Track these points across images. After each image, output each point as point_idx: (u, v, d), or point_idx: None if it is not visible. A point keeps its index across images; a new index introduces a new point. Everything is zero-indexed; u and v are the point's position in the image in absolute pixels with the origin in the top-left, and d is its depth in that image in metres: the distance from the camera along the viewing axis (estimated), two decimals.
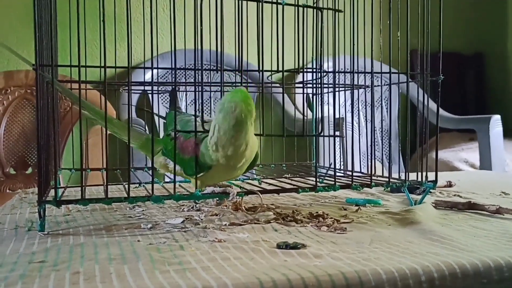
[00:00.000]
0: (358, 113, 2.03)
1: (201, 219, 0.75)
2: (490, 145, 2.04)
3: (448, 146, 2.36)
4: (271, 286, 0.46)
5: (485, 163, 2.04)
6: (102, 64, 0.70)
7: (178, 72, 1.87)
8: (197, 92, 0.75)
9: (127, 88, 0.84)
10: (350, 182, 0.79)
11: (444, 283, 0.50)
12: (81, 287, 0.45)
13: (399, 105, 0.88)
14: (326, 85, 0.89)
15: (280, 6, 0.87)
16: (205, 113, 2.06)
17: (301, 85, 0.99)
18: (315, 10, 0.85)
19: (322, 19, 0.80)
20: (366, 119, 2.11)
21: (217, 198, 0.75)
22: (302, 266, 0.51)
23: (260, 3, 0.75)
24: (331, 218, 0.75)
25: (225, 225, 0.71)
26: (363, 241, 0.62)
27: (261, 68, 0.79)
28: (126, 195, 0.69)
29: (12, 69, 2.04)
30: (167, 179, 1.00)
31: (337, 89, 0.91)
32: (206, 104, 2.05)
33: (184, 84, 0.99)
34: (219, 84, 0.80)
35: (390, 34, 0.80)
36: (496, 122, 2.08)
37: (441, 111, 2.33)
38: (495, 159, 2.03)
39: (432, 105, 0.86)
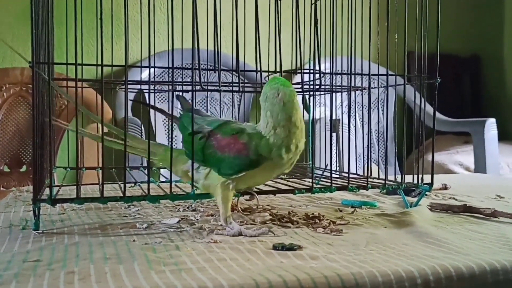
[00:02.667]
0: (355, 115, 2.03)
1: (197, 219, 0.75)
2: (485, 148, 2.05)
3: (443, 148, 2.36)
4: None
5: (480, 166, 2.05)
6: (99, 63, 0.69)
7: (175, 72, 1.87)
8: (195, 85, 0.74)
9: (123, 86, 0.83)
10: (346, 184, 0.79)
11: (439, 286, 0.50)
12: (76, 286, 0.45)
13: (395, 107, 0.88)
14: (323, 86, 0.89)
15: (278, 7, 0.87)
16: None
17: (298, 86, 0.99)
18: (312, 7, 0.85)
19: (315, 15, 0.80)
20: (362, 121, 2.11)
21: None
22: (298, 267, 0.51)
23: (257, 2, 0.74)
24: (327, 219, 0.75)
25: (221, 225, 0.71)
26: (359, 243, 0.62)
27: (258, 69, 0.79)
28: (121, 195, 0.68)
29: (7, 66, 2.02)
30: (162, 179, 1.00)
31: (334, 91, 0.91)
32: (203, 104, 2.05)
33: (181, 83, 0.98)
34: (216, 84, 0.79)
35: (388, 36, 0.80)
36: (491, 126, 2.09)
37: (437, 114, 2.33)
38: (490, 162, 2.04)
39: (428, 108, 0.86)
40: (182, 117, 0.75)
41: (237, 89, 0.97)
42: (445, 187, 1.10)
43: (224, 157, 0.67)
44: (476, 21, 2.88)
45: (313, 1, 0.87)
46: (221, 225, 0.69)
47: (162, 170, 1.02)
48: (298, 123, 0.66)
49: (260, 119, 0.68)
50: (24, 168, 1.96)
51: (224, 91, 0.75)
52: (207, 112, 1.06)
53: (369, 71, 0.81)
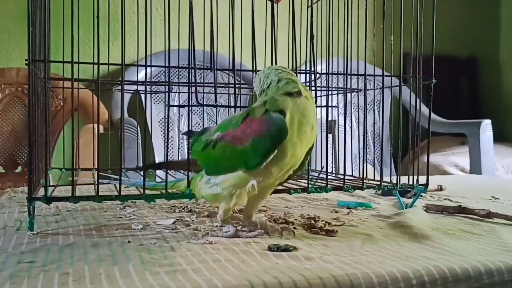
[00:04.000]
0: (351, 116, 2.04)
1: (193, 221, 0.75)
2: (480, 150, 2.05)
3: (439, 150, 2.37)
4: None
5: (476, 168, 2.06)
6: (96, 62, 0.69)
7: (171, 73, 1.87)
8: (190, 93, 0.74)
9: (119, 87, 0.83)
10: (342, 184, 0.79)
11: (435, 287, 0.50)
12: None
13: (391, 109, 0.89)
14: (319, 88, 0.89)
15: (274, 7, 0.87)
16: (197, 114, 2.06)
17: None
18: (308, 10, 0.85)
19: (311, 18, 0.80)
20: (358, 122, 2.11)
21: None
22: (293, 268, 0.51)
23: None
24: (323, 220, 0.75)
25: (216, 226, 0.71)
26: (354, 244, 0.62)
27: (254, 69, 0.79)
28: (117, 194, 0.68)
29: (3, 66, 2.02)
30: (158, 179, 1.00)
31: (330, 92, 0.91)
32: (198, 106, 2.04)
33: (177, 84, 0.98)
34: (212, 85, 0.79)
35: (384, 37, 0.80)
36: (486, 127, 2.10)
37: (433, 115, 2.34)
38: (485, 164, 2.05)
39: (424, 109, 0.86)
40: (192, 144, 0.70)
41: (232, 90, 0.96)
42: (440, 188, 1.11)
43: (247, 146, 0.60)
44: (473, 23, 2.89)
45: (309, 4, 0.87)
46: (217, 225, 0.69)
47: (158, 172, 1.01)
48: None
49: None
50: (19, 169, 1.95)
51: (221, 106, 0.74)
52: (203, 113, 1.06)
53: (365, 72, 0.81)
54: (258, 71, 0.80)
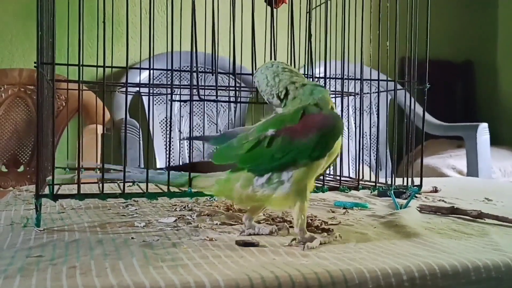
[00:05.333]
0: (348, 118, 2.06)
1: (193, 219, 0.77)
2: (477, 153, 2.08)
3: (436, 152, 2.39)
4: (259, 283, 0.48)
5: (472, 170, 2.08)
6: (99, 64, 0.72)
7: (173, 75, 1.89)
8: (193, 95, 0.76)
9: (122, 89, 0.85)
10: (338, 185, 0.82)
11: (425, 283, 0.53)
12: (77, 280, 0.47)
13: (387, 112, 0.91)
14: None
15: (274, 11, 0.89)
16: (197, 116, 2.08)
17: None
18: (307, 14, 0.88)
19: (309, 24, 0.83)
20: (355, 125, 2.13)
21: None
22: (289, 264, 0.53)
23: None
24: (319, 220, 0.77)
25: (217, 224, 0.73)
26: (349, 242, 0.64)
27: (254, 72, 0.82)
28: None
29: (5, 67, 2.04)
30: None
31: None
32: (199, 106, 2.07)
33: (179, 87, 1.01)
34: (214, 87, 0.82)
35: (379, 42, 0.82)
36: (483, 130, 2.13)
37: (430, 118, 2.37)
38: (482, 166, 2.07)
39: (421, 112, 0.89)
40: (218, 149, 0.68)
41: (233, 93, 0.99)
42: (435, 190, 1.13)
43: (312, 138, 0.61)
44: (469, 27, 2.91)
45: (308, 10, 0.90)
46: (296, 241, 0.63)
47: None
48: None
49: (285, 102, 0.66)
50: (21, 168, 1.98)
51: (221, 101, 0.77)
52: (203, 114, 1.09)
53: (361, 76, 0.83)
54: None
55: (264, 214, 0.81)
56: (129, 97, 1.88)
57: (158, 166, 1.88)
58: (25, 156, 1.97)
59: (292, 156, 0.62)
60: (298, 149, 0.62)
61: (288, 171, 0.62)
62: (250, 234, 0.67)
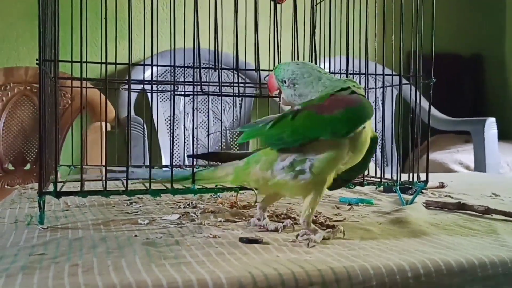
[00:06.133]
0: None
1: (197, 216, 0.77)
2: (485, 147, 2.06)
3: (444, 147, 2.38)
4: (262, 280, 0.48)
5: (480, 165, 2.07)
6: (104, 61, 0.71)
7: (177, 72, 1.89)
8: (196, 89, 0.76)
9: (126, 86, 0.85)
10: None
11: (430, 279, 0.52)
12: (79, 278, 0.47)
13: (392, 107, 0.90)
14: None
15: (278, 6, 0.89)
16: (202, 112, 2.08)
17: None
18: (311, 10, 0.87)
19: (313, 20, 0.82)
20: None
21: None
22: (293, 261, 0.53)
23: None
24: (324, 216, 0.76)
25: (220, 221, 0.73)
26: (353, 238, 0.63)
27: (257, 68, 0.81)
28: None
29: (12, 65, 2.05)
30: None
31: None
32: (204, 103, 2.07)
33: (183, 83, 1.00)
34: (217, 84, 0.81)
35: (384, 36, 0.81)
36: (491, 125, 2.11)
37: (437, 113, 2.35)
38: (490, 161, 2.06)
39: (427, 107, 0.88)
40: (246, 132, 0.66)
41: (237, 89, 0.98)
42: (442, 185, 1.12)
43: (337, 114, 0.59)
44: (478, 20, 2.89)
45: (317, 2, 0.88)
46: (303, 234, 0.63)
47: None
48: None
49: (307, 94, 0.65)
50: (28, 166, 1.99)
51: (225, 94, 0.76)
52: (208, 111, 1.08)
53: (366, 71, 0.83)
54: (261, 70, 0.82)
55: (268, 210, 0.80)
56: (135, 95, 1.88)
57: (163, 164, 1.88)
58: (32, 154, 1.98)
59: (316, 131, 0.60)
60: (323, 122, 0.60)
61: (309, 157, 0.60)
62: (255, 225, 0.68)
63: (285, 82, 0.66)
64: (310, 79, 0.65)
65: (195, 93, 0.74)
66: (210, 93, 0.75)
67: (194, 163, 0.81)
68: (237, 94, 0.87)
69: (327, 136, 0.60)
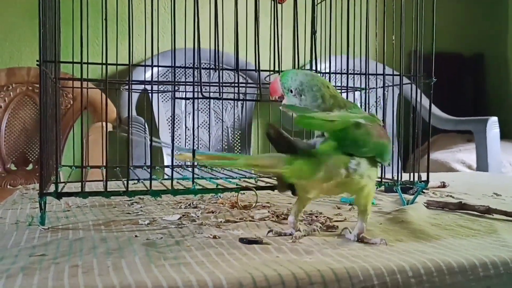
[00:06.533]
0: None
1: (198, 216, 0.77)
2: (487, 147, 2.06)
3: (445, 147, 2.37)
4: (262, 281, 0.48)
5: (482, 165, 2.06)
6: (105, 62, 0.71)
7: (178, 72, 1.89)
8: (196, 93, 0.76)
9: (127, 87, 0.85)
10: None
11: (431, 279, 0.52)
12: (79, 279, 0.47)
13: (393, 107, 0.90)
14: None
15: (279, 6, 0.89)
16: (204, 112, 2.08)
17: None
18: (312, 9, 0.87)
19: (314, 19, 0.82)
20: None
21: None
22: (293, 262, 0.53)
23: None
24: (324, 216, 0.76)
25: (221, 222, 0.73)
26: (354, 239, 0.63)
27: (258, 68, 0.81)
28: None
29: (14, 66, 2.05)
30: (165, 176, 1.02)
31: None
32: (206, 103, 2.07)
33: (184, 83, 1.00)
34: (217, 84, 0.81)
35: (384, 35, 0.81)
36: (493, 124, 2.10)
37: (439, 112, 2.34)
38: (492, 161, 2.05)
39: (428, 107, 0.88)
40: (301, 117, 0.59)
41: (238, 90, 0.98)
42: (443, 185, 1.12)
43: (386, 142, 0.63)
44: (479, 19, 2.88)
45: (318, 1, 0.88)
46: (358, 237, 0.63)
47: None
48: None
49: (312, 107, 0.63)
50: (30, 167, 1.99)
51: (225, 99, 0.76)
52: (209, 110, 1.08)
53: (366, 71, 0.83)
54: (261, 70, 0.82)
55: (269, 211, 0.80)
56: (136, 95, 1.88)
57: (165, 164, 1.88)
58: (34, 155, 1.98)
59: (372, 149, 0.61)
60: (379, 145, 0.62)
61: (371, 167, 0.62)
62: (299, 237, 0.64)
63: (291, 92, 0.65)
64: (318, 94, 0.64)
65: (195, 97, 0.74)
66: (210, 97, 0.75)
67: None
68: (237, 98, 0.87)
69: (376, 157, 0.62)
